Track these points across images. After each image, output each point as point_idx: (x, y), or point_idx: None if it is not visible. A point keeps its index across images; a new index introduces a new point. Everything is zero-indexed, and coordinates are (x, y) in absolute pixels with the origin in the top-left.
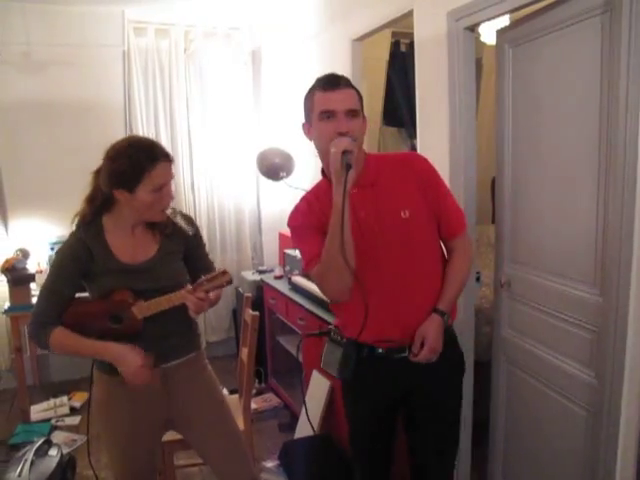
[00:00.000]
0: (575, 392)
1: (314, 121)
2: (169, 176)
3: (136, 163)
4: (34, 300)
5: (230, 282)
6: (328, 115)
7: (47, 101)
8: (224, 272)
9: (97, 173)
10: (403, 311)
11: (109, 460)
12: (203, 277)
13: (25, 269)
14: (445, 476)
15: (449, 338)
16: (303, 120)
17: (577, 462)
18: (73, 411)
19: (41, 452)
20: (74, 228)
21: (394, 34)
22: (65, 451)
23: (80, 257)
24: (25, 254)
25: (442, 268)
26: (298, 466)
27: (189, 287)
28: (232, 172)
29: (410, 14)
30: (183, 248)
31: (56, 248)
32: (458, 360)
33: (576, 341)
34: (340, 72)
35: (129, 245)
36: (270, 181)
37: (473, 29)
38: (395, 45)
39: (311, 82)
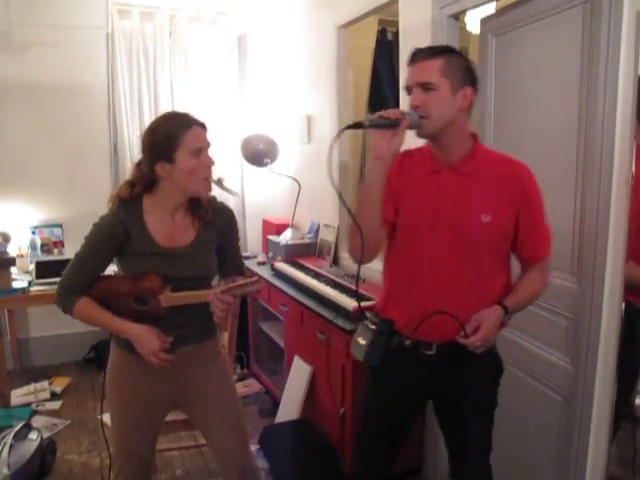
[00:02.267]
0: (551, 377)
1: None
2: (205, 141)
3: (170, 131)
4: (14, 284)
5: (259, 291)
6: (408, 91)
7: (28, 83)
8: (257, 281)
9: (138, 164)
10: (435, 306)
11: (112, 432)
12: (235, 282)
13: (6, 253)
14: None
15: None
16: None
17: (551, 445)
18: (54, 396)
19: (20, 436)
20: (112, 207)
21: (381, 22)
22: (45, 435)
23: (117, 235)
24: (6, 238)
25: (496, 292)
26: (277, 450)
27: (219, 288)
28: (216, 157)
29: (396, 1)
30: (218, 240)
31: (92, 227)
32: (492, 363)
33: (553, 328)
34: (325, 59)
35: (167, 229)
36: (254, 167)
37: (458, 17)
38: (382, 33)
39: (296, 69)
